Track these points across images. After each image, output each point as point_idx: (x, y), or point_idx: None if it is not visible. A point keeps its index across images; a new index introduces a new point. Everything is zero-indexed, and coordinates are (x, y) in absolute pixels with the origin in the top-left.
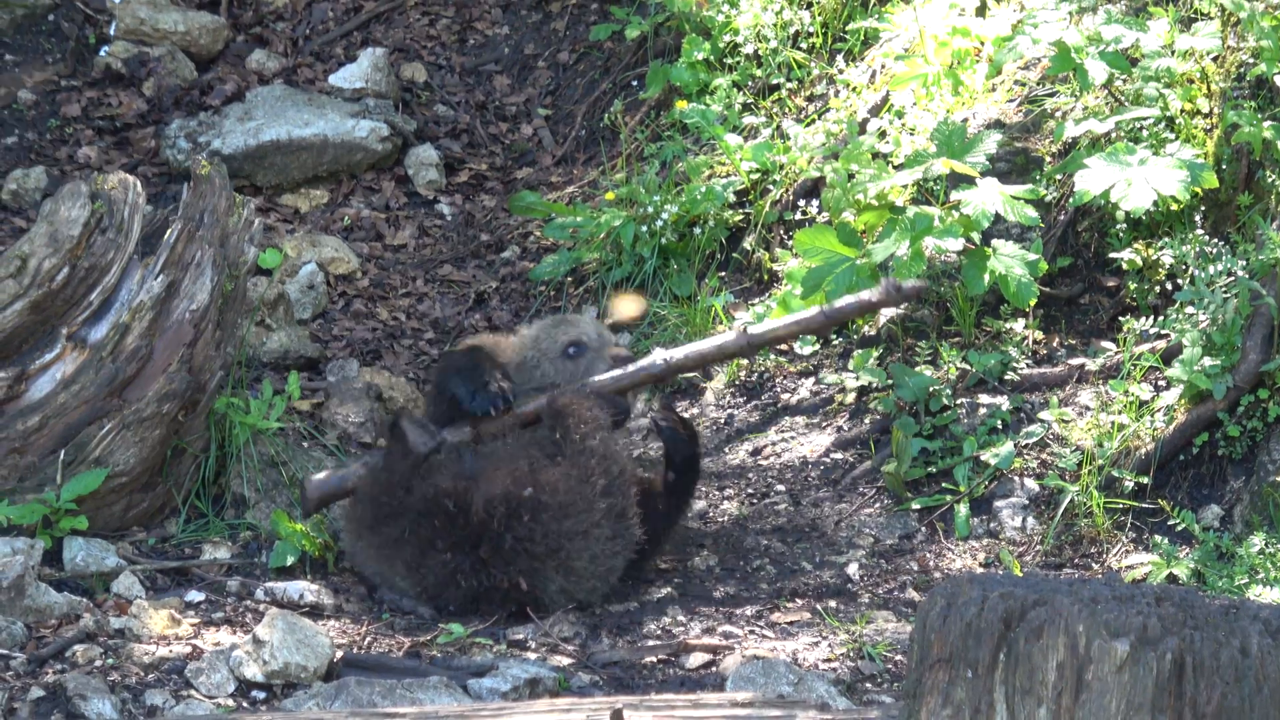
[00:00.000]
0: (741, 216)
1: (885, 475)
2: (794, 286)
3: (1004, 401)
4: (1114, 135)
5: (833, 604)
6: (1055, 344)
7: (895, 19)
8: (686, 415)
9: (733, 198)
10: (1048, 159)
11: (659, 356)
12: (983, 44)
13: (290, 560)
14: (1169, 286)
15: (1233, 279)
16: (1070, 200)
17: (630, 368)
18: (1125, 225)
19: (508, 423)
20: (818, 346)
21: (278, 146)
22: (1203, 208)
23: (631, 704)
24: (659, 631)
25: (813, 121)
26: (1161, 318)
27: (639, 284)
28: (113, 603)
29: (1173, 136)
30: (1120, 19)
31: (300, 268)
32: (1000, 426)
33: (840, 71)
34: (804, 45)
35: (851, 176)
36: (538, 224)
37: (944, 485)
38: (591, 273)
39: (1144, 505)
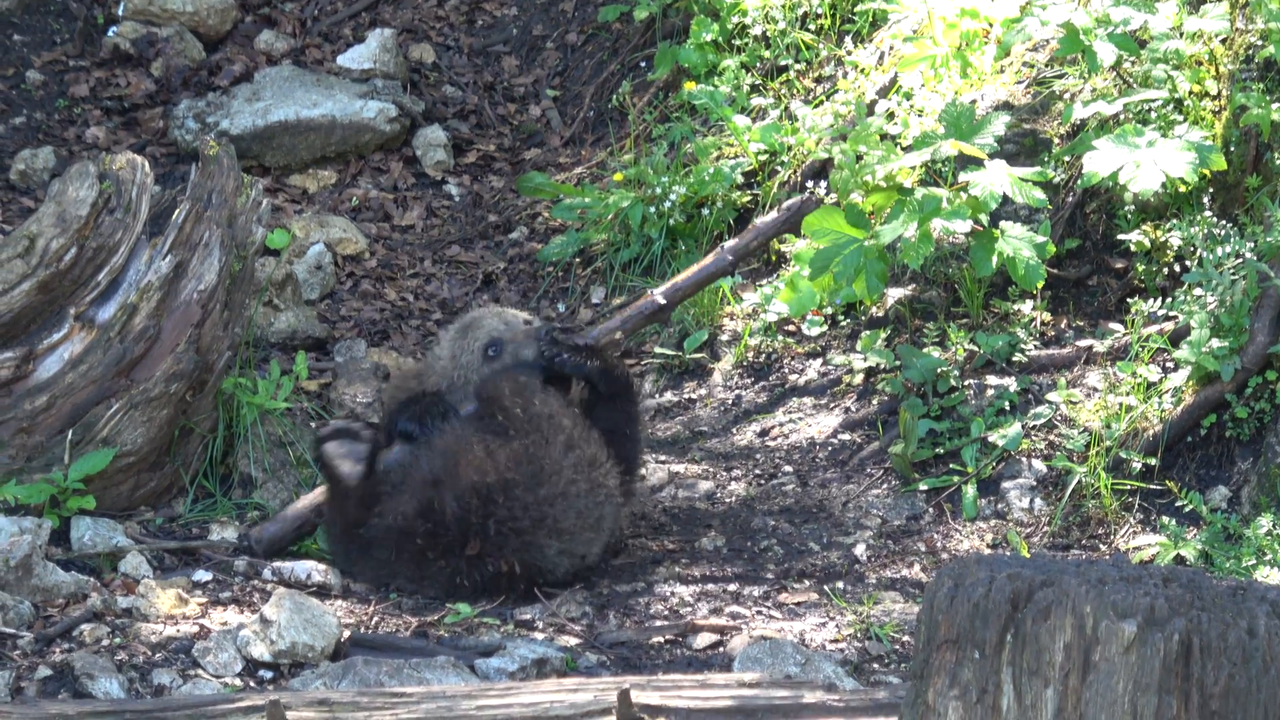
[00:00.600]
0: (749, 198)
1: (893, 456)
2: (802, 267)
3: (1012, 383)
4: (1122, 117)
5: (840, 585)
6: (1063, 325)
7: (904, 0)
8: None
9: (741, 179)
10: (1056, 141)
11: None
12: (991, 25)
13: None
14: (1177, 268)
15: (1241, 261)
16: (1078, 182)
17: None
18: (1133, 207)
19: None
20: (826, 328)
21: (286, 127)
22: (1211, 189)
23: (639, 684)
24: (666, 612)
25: (821, 103)
26: (1169, 299)
27: (647, 265)
28: (120, 582)
29: (1181, 118)
30: (1129, 1)
31: (308, 248)
32: (1008, 408)
33: (848, 53)
34: (812, 27)
35: (859, 158)
36: (546, 205)
37: (951, 466)
38: (599, 254)
39: (1151, 486)
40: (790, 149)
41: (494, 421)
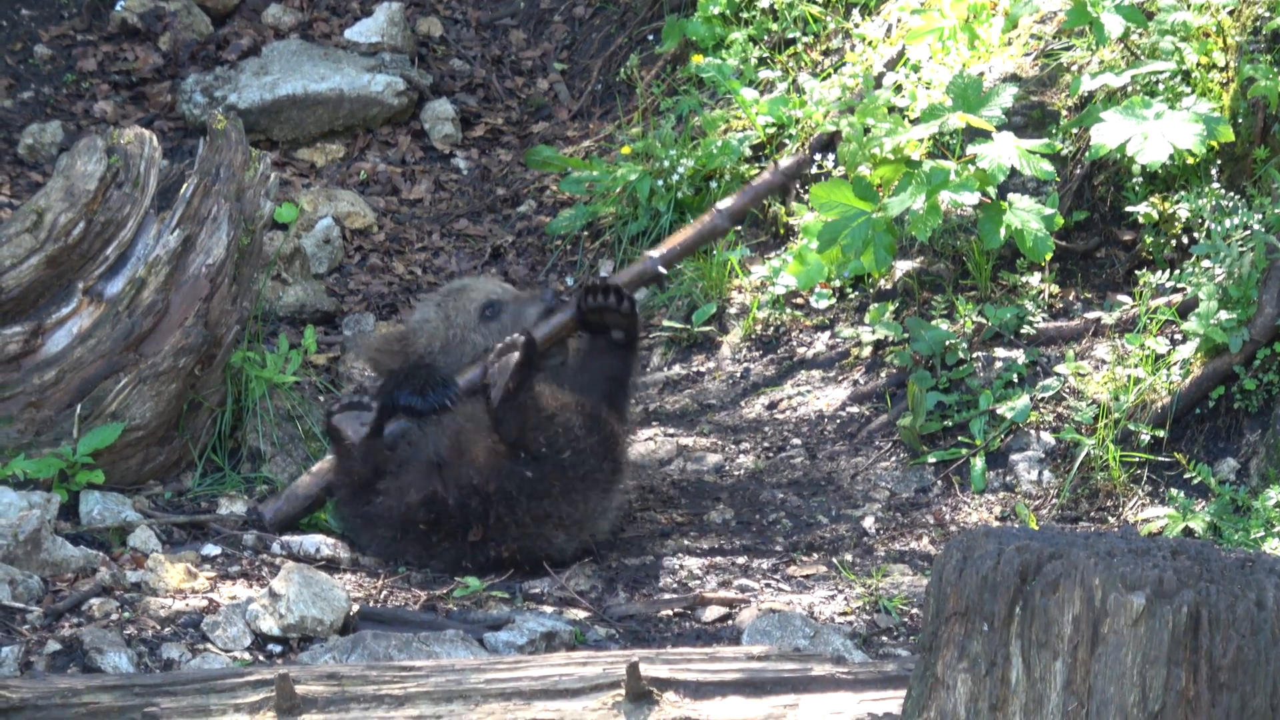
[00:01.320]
0: (757, 170)
1: (901, 429)
2: (810, 240)
3: (1020, 355)
4: (1130, 89)
5: (849, 557)
6: (1071, 298)
7: None
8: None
9: (749, 152)
10: (1063, 113)
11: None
12: None
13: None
14: (1185, 240)
15: (1248, 232)
16: (1086, 154)
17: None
18: (1141, 179)
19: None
20: (834, 301)
21: (294, 101)
22: (1219, 161)
23: (648, 657)
24: (675, 585)
25: (828, 76)
26: (1177, 271)
27: (655, 238)
28: (129, 556)
29: (1189, 90)
30: None
31: (316, 222)
32: (1016, 380)
33: (856, 25)
34: None
35: (867, 131)
36: (554, 178)
37: (960, 439)
38: (608, 227)
39: (1160, 459)
40: (798, 122)
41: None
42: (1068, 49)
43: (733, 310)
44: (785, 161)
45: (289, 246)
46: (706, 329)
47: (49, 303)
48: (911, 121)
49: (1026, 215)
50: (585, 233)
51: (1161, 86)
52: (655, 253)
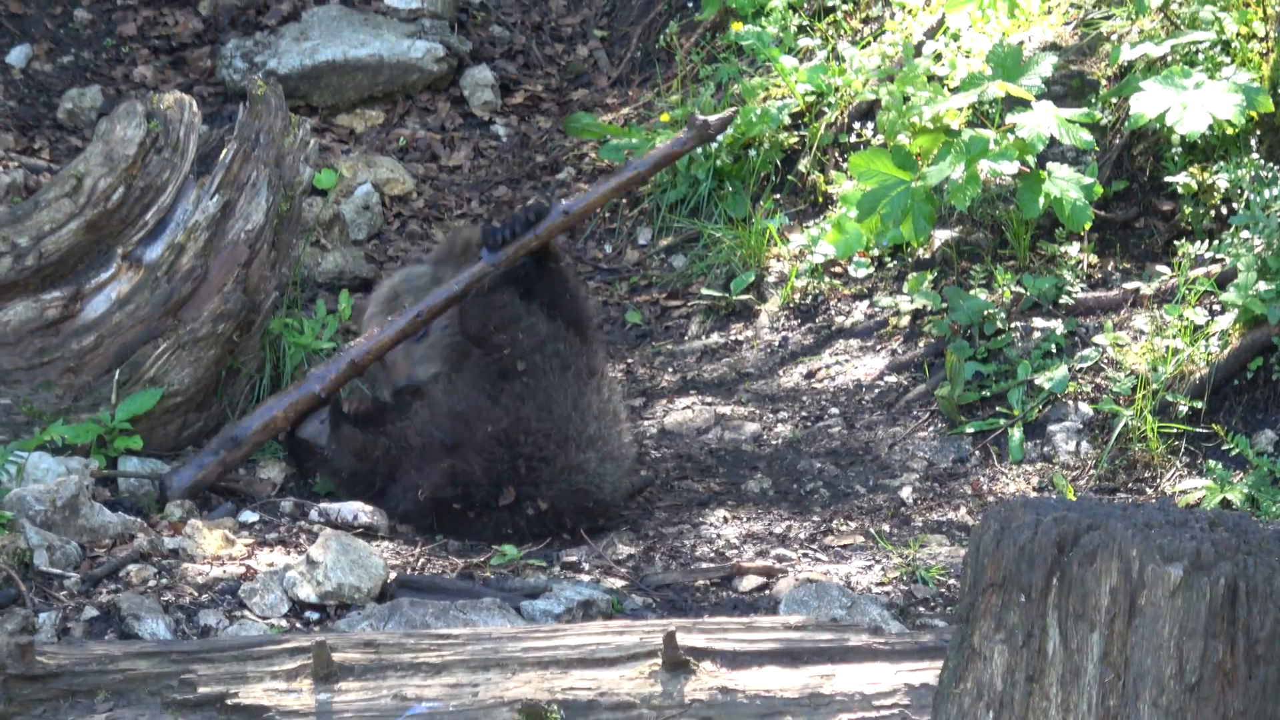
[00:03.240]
0: (797, 139)
1: (939, 399)
2: (849, 209)
3: (1058, 325)
4: (1169, 59)
5: (886, 527)
6: (1110, 268)
7: None
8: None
9: (788, 120)
10: (1103, 82)
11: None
12: None
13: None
14: (1224, 211)
15: None
16: (1125, 124)
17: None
18: (1180, 149)
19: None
20: (872, 270)
21: (333, 67)
22: (1258, 132)
23: (684, 626)
24: (712, 554)
25: (868, 44)
26: (1216, 242)
27: (694, 206)
28: (166, 523)
29: (1228, 60)
30: None
31: (355, 188)
32: (1054, 350)
33: None
34: None
35: (907, 99)
36: (593, 145)
37: (998, 409)
38: (646, 195)
39: (1198, 430)
40: (837, 90)
41: (485, 359)
42: (1107, 18)
43: (771, 279)
44: (712, 118)
45: (328, 213)
46: (745, 297)
47: (88, 268)
48: (951, 90)
49: (1065, 185)
50: (624, 200)
51: (1201, 56)
52: (565, 202)
